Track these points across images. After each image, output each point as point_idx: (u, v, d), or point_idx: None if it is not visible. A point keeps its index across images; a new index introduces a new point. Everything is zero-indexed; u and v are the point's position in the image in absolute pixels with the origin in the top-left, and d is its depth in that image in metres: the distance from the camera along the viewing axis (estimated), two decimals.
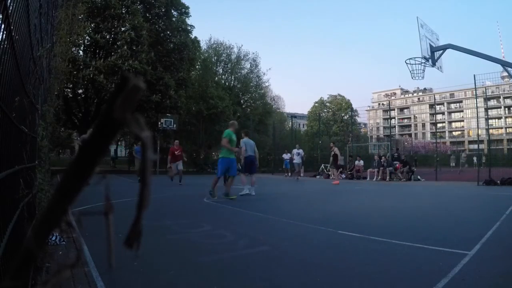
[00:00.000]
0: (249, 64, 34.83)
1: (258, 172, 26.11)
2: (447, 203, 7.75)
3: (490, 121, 60.60)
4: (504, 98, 64.62)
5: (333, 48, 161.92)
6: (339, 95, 62.66)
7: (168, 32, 23.97)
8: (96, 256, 2.89)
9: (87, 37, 18.99)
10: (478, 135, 23.91)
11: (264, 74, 37.58)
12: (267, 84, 39.77)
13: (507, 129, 64.19)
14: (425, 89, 76.54)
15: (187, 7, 24.99)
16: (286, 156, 21.78)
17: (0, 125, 1.26)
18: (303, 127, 62.10)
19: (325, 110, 60.59)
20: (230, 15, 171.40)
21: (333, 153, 16.08)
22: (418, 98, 79.96)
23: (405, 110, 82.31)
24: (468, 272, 2.68)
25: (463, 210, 6.54)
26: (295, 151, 18.57)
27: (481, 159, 20.29)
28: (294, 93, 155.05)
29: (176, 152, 12.84)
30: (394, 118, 77.81)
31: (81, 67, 17.54)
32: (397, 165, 16.65)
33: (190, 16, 25.32)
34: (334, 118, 59.10)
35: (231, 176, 8.08)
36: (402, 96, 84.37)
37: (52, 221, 0.35)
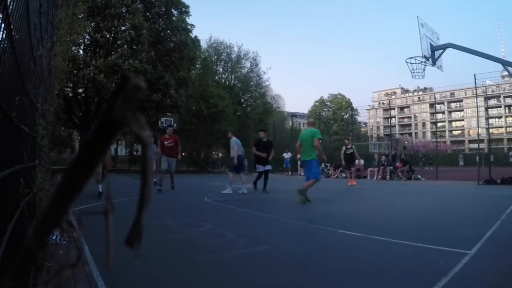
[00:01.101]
0: (249, 63, 34.90)
1: None
2: (447, 202, 7.74)
3: (490, 120, 60.48)
4: (505, 97, 64.56)
5: (333, 47, 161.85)
6: (339, 94, 62.66)
7: (168, 31, 23.98)
8: (97, 256, 2.89)
9: (87, 36, 19.01)
10: (478, 134, 23.90)
11: (264, 73, 37.69)
12: (267, 83, 39.83)
13: (508, 128, 64.15)
14: (425, 88, 76.47)
15: (187, 6, 25.01)
16: (286, 155, 21.79)
17: (0, 125, 1.26)
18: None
19: (325, 109, 60.62)
20: (230, 14, 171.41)
21: (352, 151, 13.98)
22: (418, 97, 79.90)
23: (405, 109, 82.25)
24: (468, 271, 2.68)
25: (464, 210, 6.54)
26: None
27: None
28: (295, 92, 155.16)
29: (166, 143, 9.32)
30: (394, 117, 77.77)
31: (81, 66, 17.55)
32: (398, 164, 16.65)
33: (190, 15, 25.36)
34: (334, 117, 59.11)
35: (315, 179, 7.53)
36: (402, 95, 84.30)
37: (52, 220, 0.35)
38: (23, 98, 1.82)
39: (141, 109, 19.69)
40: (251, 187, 9.56)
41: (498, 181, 12.54)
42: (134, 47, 19.80)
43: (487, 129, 17.66)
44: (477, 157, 16.29)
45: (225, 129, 27.16)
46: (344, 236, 4.10)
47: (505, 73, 13.43)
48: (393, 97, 79.86)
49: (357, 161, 18.03)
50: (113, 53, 18.90)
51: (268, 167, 9.47)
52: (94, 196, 6.82)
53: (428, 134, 72.34)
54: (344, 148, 14.33)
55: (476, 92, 15.80)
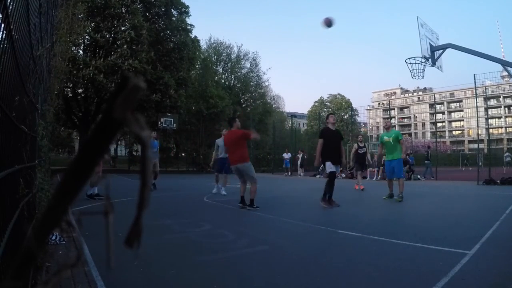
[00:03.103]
0: (249, 64, 34.90)
1: (258, 171, 26.14)
2: (447, 202, 7.75)
3: (490, 120, 60.59)
4: (504, 97, 64.58)
5: (333, 47, 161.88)
6: (339, 94, 62.67)
7: (168, 32, 23.96)
8: (96, 256, 2.89)
9: (87, 37, 18.99)
10: (478, 134, 23.94)
11: (264, 73, 37.65)
12: (267, 83, 39.88)
13: (507, 128, 64.19)
14: (425, 88, 76.52)
15: (187, 7, 25.00)
16: (286, 155, 21.80)
17: (0, 125, 1.26)
18: (303, 126, 62.12)
19: (325, 109, 60.53)
20: (230, 14, 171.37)
21: (365, 150, 12.08)
22: (418, 98, 79.94)
23: (405, 109, 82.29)
24: (468, 271, 2.68)
25: (463, 210, 6.55)
26: None
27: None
28: (294, 92, 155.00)
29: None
30: (394, 117, 77.78)
31: (81, 66, 17.52)
32: None
33: (190, 15, 25.34)
34: None
35: (401, 177, 8.09)
36: (402, 95, 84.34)
37: (52, 220, 0.35)
38: (23, 98, 1.82)
39: (141, 109, 19.70)
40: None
41: (498, 181, 12.54)
42: (134, 47, 19.78)
43: (487, 129, 17.71)
44: (479, 157, 16.33)
45: (225, 129, 27.14)
46: (344, 236, 4.10)
47: (505, 73, 13.45)
48: (392, 97, 79.85)
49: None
50: (113, 53, 18.88)
51: (337, 168, 6.99)
52: (86, 199, 6.73)
53: (428, 134, 72.35)
54: (356, 146, 12.21)
55: (475, 92, 15.83)
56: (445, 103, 74.47)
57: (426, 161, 17.21)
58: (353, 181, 13.19)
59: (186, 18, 25.14)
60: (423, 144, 55.10)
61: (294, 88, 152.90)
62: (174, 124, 21.96)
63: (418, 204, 7.25)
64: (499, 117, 65.56)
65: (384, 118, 78.25)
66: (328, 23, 7.46)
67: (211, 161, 9.53)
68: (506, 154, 20.85)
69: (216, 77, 31.82)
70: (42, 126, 3.52)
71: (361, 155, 11.84)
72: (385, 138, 8.00)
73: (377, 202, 7.72)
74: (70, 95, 20.48)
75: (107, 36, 19.73)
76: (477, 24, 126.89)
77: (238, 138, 6.23)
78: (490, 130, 48.57)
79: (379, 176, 16.51)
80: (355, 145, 12.30)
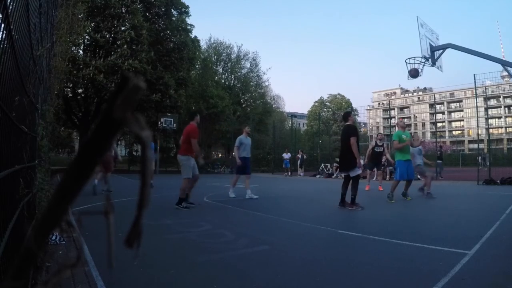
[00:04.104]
0: (249, 64, 34.97)
1: (258, 171, 26.15)
2: (446, 202, 7.74)
3: (490, 120, 60.63)
4: (504, 97, 64.60)
5: (333, 47, 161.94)
6: (339, 94, 62.76)
7: (168, 32, 23.98)
8: (96, 256, 2.89)
9: (87, 37, 19.00)
10: (478, 134, 23.99)
11: (264, 73, 37.71)
12: (267, 83, 39.96)
13: (507, 128, 64.20)
14: (425, 88, 76.54)
15: (187, 7, 25.04)
16: (286, 155, 21.81)
17: (0, 125, 1.26)
18: (303, 126, 62.14)
19: (325, 109, 60.66)
20: (230, 14, 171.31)
21: (382, 150, 11.14)
22: (418, 98, 79.95)
23: (405, 109, 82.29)
24: (467, 271, 2.68)
25: (463, 210, 6.55)
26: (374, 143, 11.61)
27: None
28: (294, 92, 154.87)
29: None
30: (394, 117, 77.83)
31: (81, 66, 17.53)
32: None
33: (190, 15, 25.39)
34: (334, 117, 59.13)
35: (410, 179, 7.99)
36: (402, 95, 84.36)
37: (52, 220, 0.35)
38: (23, 98, 1.82)
39: (141, 109, 19.71)
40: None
41: (498, 181, 12.54)
42: (134, 47, 19.79)
43: (487, 129, 17.73)
44: (478, 157, 16.34)
45: (225, 129, 27.15)
46: (344, 236, 4.10)
47: (505, 73, 13.47)
48: (392, 97, 79.88)
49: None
50: (112, 53, 18.89)
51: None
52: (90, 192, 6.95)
53: (428, 134, 72.36)
54: (373, 144, 11.52)
55: (476, 92, 15.84)
56: (445, 103, 74.51)
57: (438, 161, 17.24)
58: (364, 181, 12.51)
59: (186, 18, 25.19)
60: (423, 144, 55.09)
61: (294, 88, 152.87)
62: (174, 124, 21.96)
63: (418, 204, 7.25)
64: (499, 117, 65.59)
65: (384, 118, 78.34)
66: (415, 74, 9.35)
67: (236, 160, 8.39)
68: None
69: (216, 77, 31.86)
70: (42, 126, 3.52)
71: (377, 154, 11.18)
72: (404, 136, 7.86)
73: (377, 202, 7.72)
74: (70, 95, 20.50)
75: (107, 36, 19.74)
76: (477, 24, 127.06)
77: (188, 132, 6.58)
78: (490, 130, 48.63)
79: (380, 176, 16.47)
80: (372, 143, 11.75)
